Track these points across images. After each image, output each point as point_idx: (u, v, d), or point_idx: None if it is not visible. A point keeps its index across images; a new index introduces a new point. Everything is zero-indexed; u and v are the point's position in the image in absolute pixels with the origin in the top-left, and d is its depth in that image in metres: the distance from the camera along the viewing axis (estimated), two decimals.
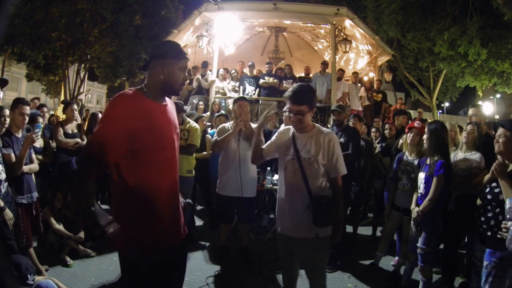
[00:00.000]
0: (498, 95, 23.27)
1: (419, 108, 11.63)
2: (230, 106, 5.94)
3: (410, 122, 4.59)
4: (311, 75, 7.90)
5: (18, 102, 2.97)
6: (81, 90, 15.95)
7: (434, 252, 2.83)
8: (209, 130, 5.13)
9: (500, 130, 2.19)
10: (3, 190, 2.54)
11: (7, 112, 2.85)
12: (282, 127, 2.55)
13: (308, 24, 7.93)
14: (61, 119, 5.27)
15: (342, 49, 7.14)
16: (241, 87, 7.41)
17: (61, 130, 4.29)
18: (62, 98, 14.96)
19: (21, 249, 2.79)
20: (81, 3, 12.16)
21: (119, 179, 1.56)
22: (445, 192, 2.77)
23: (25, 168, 2.95)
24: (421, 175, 2.83)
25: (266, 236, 4.32)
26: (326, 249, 2.21)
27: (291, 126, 2.27)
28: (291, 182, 2.17)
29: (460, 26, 11.21)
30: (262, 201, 5.00)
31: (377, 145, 4.78)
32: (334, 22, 7.02)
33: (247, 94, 7.15)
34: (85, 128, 4.73)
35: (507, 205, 1.97)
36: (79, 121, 4.85)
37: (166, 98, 1.75)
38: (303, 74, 8.28)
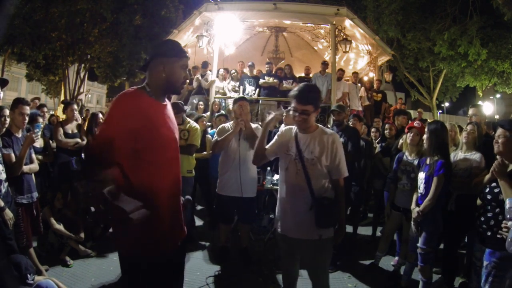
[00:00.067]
0: (498, 95, 23.27)
1: (419, 108, 11.64)
2: (230, 106, 5.93)
3: (410, 122, 4.59)
4: (311, 75, 7.90)
5: (18, 102, 2.97)
6: (81, 90, 15.97)
7: (434, 252, 2.82)
8: (209, 130, 5.12)
9: (500, 131, 2.19)
10: (3, 190, 2.54)
11: (7, 112, 2.86)
12: (282, 127, 2.54)
13: (308, 24, 7.93)
14: (61, 119, 5.27)
15: (342, 49, 7.13)
16: (241, 87, 7.41)
17: (61, 130, 4.29)
18: (62, 98, 14.97)
19: (21, 249, 2.79)
20: (81, 3, 12.17)
21: (123, 178, 1.56)
22: (445, 192, 2.77)
23: (25, 168, 2.95)
24: (421, 175, 2.83)
25: (266, 236, 4.32)
26: (328, 251, 2.20)
27: (293, 126, 2.26)
28: (293, 182, 2.14)
29: (460, 26, 11.21)
30: (262, 201, 5.00)
31: (377, 145, 4.78)
32: (334, 22, 7.02)
33: (247, 94, 7.15)
34: (85, 128, 4.73)
35: (507, 205, 1.97)
36: (79, 121, 4.85)
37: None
38: (303, 74, 8.28)
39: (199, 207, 5.49)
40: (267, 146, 2.32)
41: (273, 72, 7.66)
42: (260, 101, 7.27)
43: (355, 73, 8.38)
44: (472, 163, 2.94)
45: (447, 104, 25.14)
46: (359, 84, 8.16)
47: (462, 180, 2.92)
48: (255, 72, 7.78)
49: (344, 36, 7.11)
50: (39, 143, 3.78)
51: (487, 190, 2.30)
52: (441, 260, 3.26)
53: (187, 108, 6.50)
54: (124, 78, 17.22)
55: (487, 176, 2.38)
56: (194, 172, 4.02)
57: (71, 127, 4.41)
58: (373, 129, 5.17)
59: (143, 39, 14.02)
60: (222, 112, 5.15)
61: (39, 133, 3.19)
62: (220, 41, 7.46)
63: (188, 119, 4.02)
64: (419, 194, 2.84)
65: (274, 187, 4.07)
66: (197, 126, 4.00)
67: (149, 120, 1.59)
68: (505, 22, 9.84)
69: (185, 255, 2.08)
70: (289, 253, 2.28)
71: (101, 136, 1.59)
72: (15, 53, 14.08)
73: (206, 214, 5.10)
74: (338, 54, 7.48)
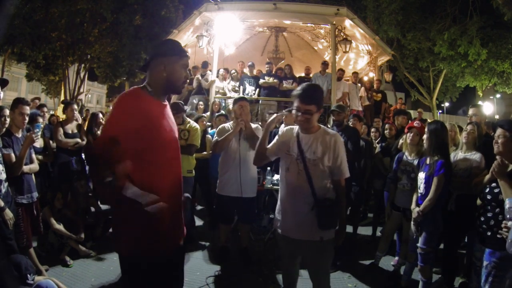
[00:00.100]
0: (498, 95, 23.27)
1: (419, 108, 11.64)
2: (230, 106, 5.94)
3: (410, 122, 4.59)
4: (311, 75, 7.90)
5: (18, 102, 2.97)
6: (81, 90, 15.98)
7: (434, 252, 2.82)
8: (209, 130, 5.13)
9: (499, 131, 2.20)
10: (3, 190, 2.54)
11: (7, 112, 2.86)
12: (283, 127, 2.54)
13: (308, 24, 7.94)
14: (61, 119, 5.27)
15: (342, 49, 7.14)
16: (241, 87, 7.41)
17: (61, 130, 4.29)
18: (62, 98, 14.98)
19: (21, 249, 2.79)
20: (81, 3, 12.18)
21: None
22: (445, 192, 2.77)
23: (25, 168, 2.95)
24: (421, 175, 2.83)
25: (266, 236, 4.32)
26: (330, 252, 2.19)
27: (294, 126, 2.25)
28: (294, 183, 2.12)
29: (460, 26, 11.22)
30: (262, 201, 5.00)
31: (377, 145, 4.78)
32: (334, 22, 7.03)
33: (247, 94, 7.15)
34: (85, 128, 4.74)
35: (507, 205, 1.97)
36: (79, 121, 4.85)
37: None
38: (303, 74, 8.27)
39: (199, 207, 5.48)
40: (268, 146, 2.31)
41: (273, 72, 7.66)
42: (260, 101, 7.28)
43: (355, 73, 8.38)
44: (472, 163, 2.94)
45: (447, 104, 25.14)
46: (359, 84, 8.16)
47: (462, 180, 2.92)
48: (255, 72, 7.78)
49: (344, 36, 7.12)
50: (39, 143, 3.78)
51: (487, 190, 2.30)
52: (441, 260, 3.25)
53: (187, 108, 6.50)
54: (124, 78, 17.24)
55: (487, 176, 2.38)
56: (194, 172, 4.02)
57: (71, 127, 4.41)
58: (373, 129, 5.17)
59: (143, 39, 14.02)
60: (222, 112, 5.15)
61: (39, 133, 3.19)
62: (220, 41, 7.46)
63: (188, 119, 4.02)
64: (419, 194, 2.84)
65: (274, 187, 4.07)
66: (197, 126, 4.00)
67: (150, 120, 1.59)
68: (505, 22, 9.84)
69: (185, 255, 2.08)
70: (289, 253, 2.27)
71: (105, 136, 1.59)
72: (15, 53, 14.09)
73: (206, 214, 5.10)
74: (338, 54, 7.48)
